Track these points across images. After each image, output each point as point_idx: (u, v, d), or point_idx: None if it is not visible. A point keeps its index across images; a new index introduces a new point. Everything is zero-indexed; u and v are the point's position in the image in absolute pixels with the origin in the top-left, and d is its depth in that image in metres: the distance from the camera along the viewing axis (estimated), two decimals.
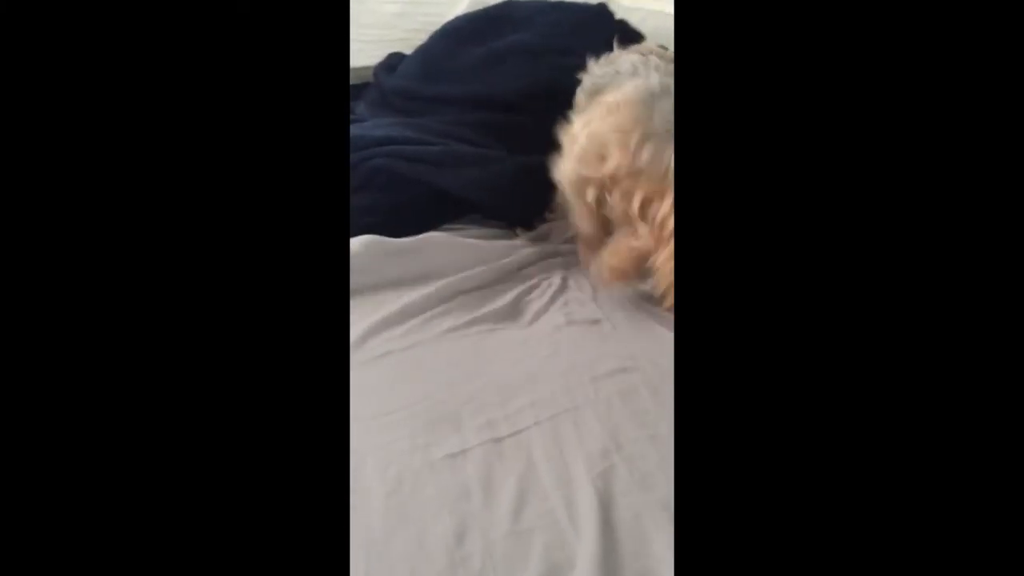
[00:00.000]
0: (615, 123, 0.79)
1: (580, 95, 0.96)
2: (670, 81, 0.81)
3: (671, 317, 0.77)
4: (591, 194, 0.80)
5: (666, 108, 0.76)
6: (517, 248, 0.89)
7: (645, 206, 0.76)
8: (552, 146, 1.00)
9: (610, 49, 1.01)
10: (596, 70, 0.93)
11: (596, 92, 0.91)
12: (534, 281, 0.84)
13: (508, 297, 0.81)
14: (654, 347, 0.72)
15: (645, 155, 0.75)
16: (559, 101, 1.05)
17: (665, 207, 0.73)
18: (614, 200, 0.78)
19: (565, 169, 0.83)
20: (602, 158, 0.79)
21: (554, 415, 0.63)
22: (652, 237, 0.75)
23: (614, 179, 0.78)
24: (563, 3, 1.15)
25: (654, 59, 0.90)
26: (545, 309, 0.79)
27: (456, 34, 1.13)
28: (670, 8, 1.19)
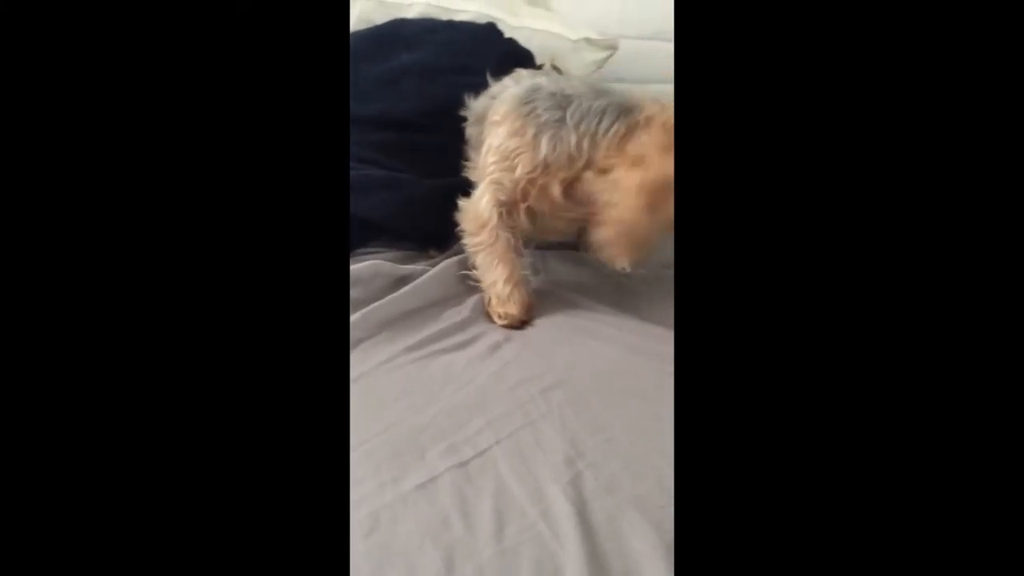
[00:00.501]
0: (507, 132, 0.83)
1: (468, 129, 1.00)
2: (547, 79, 0.87)
3: (597, 326, 0.81)
4: (520, 211, 0.83)
5: (545, 101, 0.82)
6: (438, 269, 0.90)
7: (569, 189, 0.82)
8: (458, 163, 1.02)
9: (505, 69, 1.05)
10: (474, 104, 0.97)
11: (479, 120, 0.95)
12: (463, 301, 0.85)
13: (441, 320, 0.81)
14: (590, 354, 0.76)
15: (544, 147, 0.80)
16: (460, 119, 1.07)
17: (588, 184, 0.79)
18: (536, 200, 0.83)
19: (484, 203, 0.85)
20: (512, 168, 0.83)
21: (513, 432, 0.65)
22: (585, 213, 0.80)
23: (531, 181, 0.83)
24: (452, 23, 1.17)
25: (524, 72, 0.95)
26: (481, 328, 0.81)
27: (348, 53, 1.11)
28: (555, 27, 1.26)
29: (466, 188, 0.94)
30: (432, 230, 0.97)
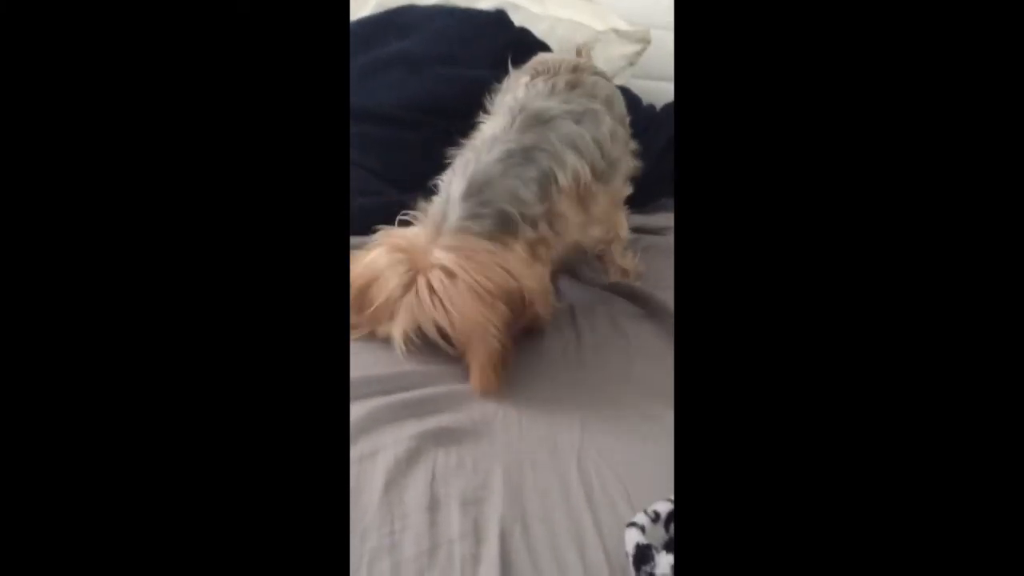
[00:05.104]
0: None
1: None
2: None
3: None
4: None
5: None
6: None
7: None
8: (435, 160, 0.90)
9: (502, 61, 0.92)
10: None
11: None
12: None
13: None
14: None
15: None
16: (438, 113, 0.97)
17: None
18: None
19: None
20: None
21: None
22: None
23: None
24: (455, 9, 1.06)
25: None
26: None
27: None
28: (582, 17, 1.10)
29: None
30: None
